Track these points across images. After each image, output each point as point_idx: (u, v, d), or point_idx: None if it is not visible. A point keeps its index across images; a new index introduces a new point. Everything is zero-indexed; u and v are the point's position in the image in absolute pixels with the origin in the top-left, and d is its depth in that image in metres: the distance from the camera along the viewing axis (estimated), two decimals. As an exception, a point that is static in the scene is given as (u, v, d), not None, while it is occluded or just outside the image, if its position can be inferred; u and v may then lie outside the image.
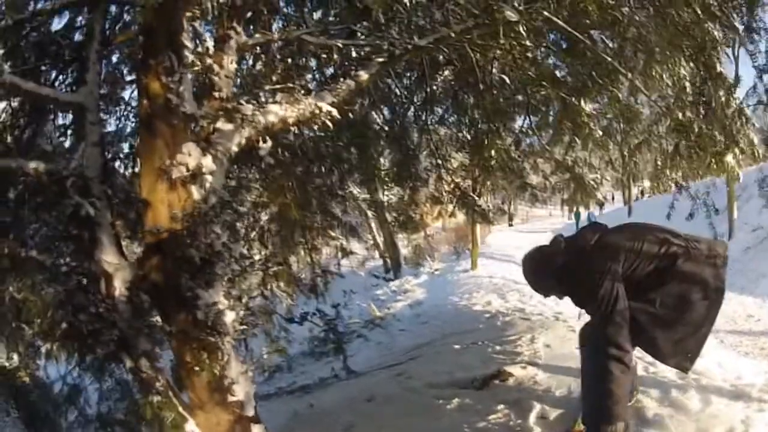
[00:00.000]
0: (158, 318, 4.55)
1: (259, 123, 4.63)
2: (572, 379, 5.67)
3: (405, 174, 8.39)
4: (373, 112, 7.84)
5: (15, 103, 5.56)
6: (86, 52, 4.95)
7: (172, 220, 4.36)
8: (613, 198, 58.88)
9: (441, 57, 6.91)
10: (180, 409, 4.48)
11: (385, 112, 8.10)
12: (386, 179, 9.06)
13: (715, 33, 5.60)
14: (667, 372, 5.81)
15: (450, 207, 9.53)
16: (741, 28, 5.75)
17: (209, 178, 4.44)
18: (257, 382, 8.49)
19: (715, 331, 13.42)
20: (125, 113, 6.61)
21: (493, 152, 7.82)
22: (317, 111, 4.84)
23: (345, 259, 13.25)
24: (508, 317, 10.40)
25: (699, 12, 5.40)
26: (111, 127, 6.47)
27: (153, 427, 4.45)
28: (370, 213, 16.97)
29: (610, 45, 6.23)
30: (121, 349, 4.41)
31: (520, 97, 7.43)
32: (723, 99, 5.94)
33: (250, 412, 4.73)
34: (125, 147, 6.65)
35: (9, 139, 5.47)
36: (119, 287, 4.42)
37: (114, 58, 6.28)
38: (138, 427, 4.65)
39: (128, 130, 6.63)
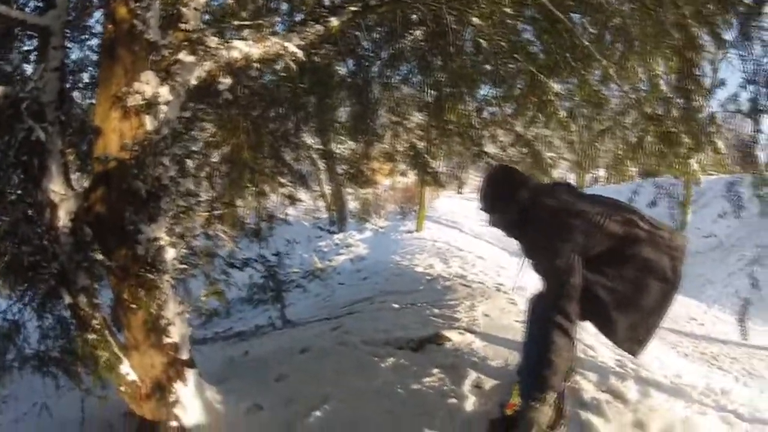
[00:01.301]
0: (99, 252, 4.36)
1: (221, 57, 4.52)
2: (509, 352, 5.69)
3: (361, 127, 8.27)
4: (338, 63, 7.68)
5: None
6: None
7: (122, 150, 4.22)
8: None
9: (415, 16, 6.78)
10: (115, 349, 4.38)
11: (350, 63, 7.94)
12: (342, 131, 8.95)
13: (701, 37, 5.52)
14: (606, 358, 5.84)
15: (402, 166, 9.44)
16: (733, 35, 5.67)
17: (164, 108, 4.31)
18: (194, 326, 8.40)
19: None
20: (90, 42, 6.37)
21: (453, 117, 7.77)
22: (282, 51, 4.73)
23: (292, 208, 13.15)
24: (448, 282, 10.44)
25: (686, 14, 5.32)
26: (75, 56, 6.29)
27: (88, 366, 4.32)
28: (321, 163, 16.88)
29: (590, 30, 6.12)
30: (60, 284, 4.29)
31: (488, 66, 7.32)
32: (697, 103, 5.93)
33: (185, 356, 4.67)
34: (86, 77, 6.43)
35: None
36: (63, 218, 4.30)
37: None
38: (74, 367, 4.49)
39: (92, 59, 6.39)
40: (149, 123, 4.25)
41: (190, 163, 4.94)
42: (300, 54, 4.82)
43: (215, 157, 7.18)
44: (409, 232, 20.54)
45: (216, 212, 6.48)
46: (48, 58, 4.43)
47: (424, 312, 7.72)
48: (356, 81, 7.79)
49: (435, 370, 5.45)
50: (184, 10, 4.44)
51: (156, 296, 4.36)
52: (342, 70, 7.75)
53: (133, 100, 4.14)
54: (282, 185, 8.25)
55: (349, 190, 21.85)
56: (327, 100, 7.81)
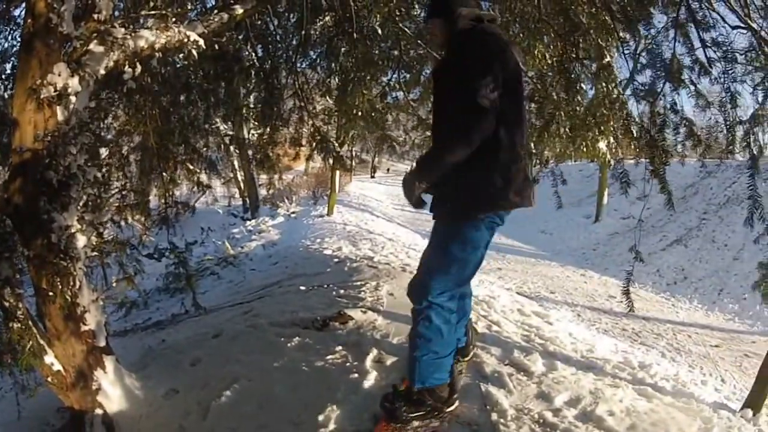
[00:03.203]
0: (19, 243, 4.40)
1: (128, 47, 4.58)
2: (409, 327, 5.84)
3: (268, 113, 8.35)
4: (247, 49, 7.74)
5: None
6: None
7: (36, 141, 4.26)
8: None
9: (323, 2, 6.88)
10: (39, 338, 4.40)
11: (259, 50, 8.00)
12: (250, 116, 9.01)
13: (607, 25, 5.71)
14: (511, 333, 6.03)
15: (309, 150, 9.53)
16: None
17: (73, 99, 4.36)
18: (115, 319, 8.40)
19: (573, 305, 14.01)
20: (13, 33, 6.40)
21: (357, 101, 7.91)
22: (185, 39, 4.84)
23: (204, 197, 13.13)
24: (356, 263, 10.56)
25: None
26: None
27: (15, 354, 4.34)
28: (232, 149, 16.83)
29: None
30: None
31: (395, 52, 7.46)
32: (604, 88, 6.08)
33: (102, 343, 4.73)
34: (8, 67, 6.49)
35: None
36: None
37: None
38: (2, 356, 4.51)
39: (16, 50, 6.36)
40: (60, 113, 4.30)
41: (102, 151, 4.97)
42: (201, 42, 4.94)
43: (126, 144, 7.16)
44: (321, 216, 20.71)
45: (127, 200, 6.49)
46: None
47: (330, 293, 7.87)
48: (263, 67, 7.86)
49: (338, 348, 5.60)
50: (97, 0, 4.48)
51: (70, 284, 4.41)
52: (251, 56, 7.82)
53: (46, 92, 4.18)
54: (192, 172, 8.29)
55: (262, 176, 21.87)
56: (235, 86, 7.85)
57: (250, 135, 11.83)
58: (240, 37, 7.43)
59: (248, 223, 21.62)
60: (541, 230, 24.18)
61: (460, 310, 4.53)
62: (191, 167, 8.49)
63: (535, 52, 6.22)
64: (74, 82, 4.29)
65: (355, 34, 6.84)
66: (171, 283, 10.31)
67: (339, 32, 7.28)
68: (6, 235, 4.35)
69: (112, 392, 4.71)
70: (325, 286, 8.50)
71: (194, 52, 4.98)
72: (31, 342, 4.30)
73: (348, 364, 5.27)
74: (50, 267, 4.34)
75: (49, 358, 4.46)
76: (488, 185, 3.88)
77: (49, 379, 4.54)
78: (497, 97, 3.70)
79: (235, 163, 23.74)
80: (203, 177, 9.24)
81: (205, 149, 9.19)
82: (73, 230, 4.41)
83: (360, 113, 8.23)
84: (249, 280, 11.90)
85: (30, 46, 4.26)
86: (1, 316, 4.34)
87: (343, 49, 7.52)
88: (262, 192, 24.24)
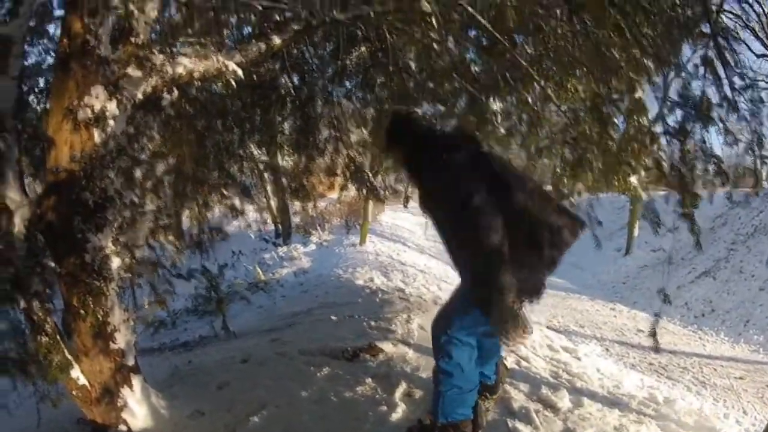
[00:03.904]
0: (50, 259, 4.45)
1: (167, 73, 4.65)
2: None
3: (304, 142, 8.41)
4: (284, 77, 7.80)
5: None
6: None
7: (72, 161, 4.34)
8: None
9: (359, 33, 6.94)
10: (66, 353, 4.45)
11: (295, 78, 8.06)
12: (285, 144, 9.06)
13: (639, 62, 5.70)
14: (540, 369, 6.00)
15: (343, 180, 9.54)
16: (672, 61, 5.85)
17: (111, 122, 4.43)
18: (142, 337, 8.45)
19: (601, 339, 13.91)
20: (48, 47, 6.43)
21: None
22: (224, 68, 4.90)
23: (237, 221, 13.20)
24: (387, 295, 10.55)
25: (627, 38, 5.49)
26: (31, 60, 6.32)
27: (41, 368, 4.40)
28: (266, 176, 16.91)
29: (530, 51, 6.29)
30: (15, 289, 4.29)
31: (430, 84, 7.48)
32: (636, 122, 6.04)
33: (130, 362, 4.78)
34: (41, 81, 6.47)
35: None
36: (18, 225, 4.31)
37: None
38: (29, 368, 4.56)
39: (49, 64, 6.43)
40: (97, 136, 4.37)
41: (137, 174, 5.04)
42: (240, 72, 5.00)
43: (161, 168, 7.22)
44: (353, 245, 20.63)
45: (161, 223, 6.54)
46: (7, 66, 4.42)
47: (360, 324, 7.86)
48: (300, 96, 7.93)
49: (368, 380, 5.59)
50: (135, 24, 4.55)
51: (102, 303, 4.48)
52: (287, 84, 7.88)
53: (84, 114, 4.26)
54: (226, 197, 8.36)
55: (296, 203, 21.89)
56: (271, 114, 7.92)
57: (285, 163, 11.90)
58: (276, 66, 7.50)
59: (280, 249, 21.64)
60: (574, 264, 24.02)
61: (493, 347, 4.59)
62: (225, 192, 8.56)
63: (568, 86, 6.22)
64: (112, 106, 4.37)
65: (390, 66, 6.90)
66: (200, 305, 10.38)
67: (374, 63, 7.33)
68: (37, 251, 4.39)
69: (137, 410, 4.75)
70: (356, 316, 8.49)
71: (232, 81, 5.06)
72: (58, 357, 4.36)
73: (377, 396, 5.27)
74: (82, 286, 4.41)
75: (75, 372, 4.51)
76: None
77: (74, 392, 4.59)
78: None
79: (269, 189, 23.80)
80: (236, 202, 9.33)
81: (239, 175, 9.23)
82: (107, 251, 4.49)
83: None
84: (279, 306, 11.93)
85: (66, 65, 4.35)
86: (29, 328, 4.38)
87: (378, 80, 7.56)
88: (295, 219, 24.34)
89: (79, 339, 4.54)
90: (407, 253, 20.74)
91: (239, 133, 8.12)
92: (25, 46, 4.96)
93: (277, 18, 5.73)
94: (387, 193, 10.86)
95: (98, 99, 4.32)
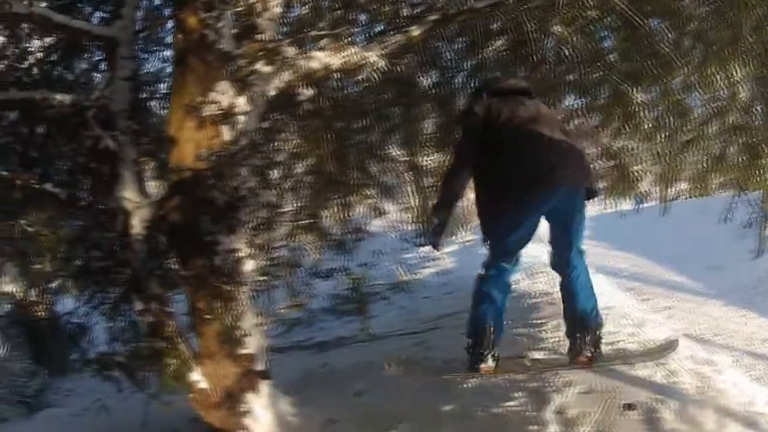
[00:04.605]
0: (173, 261, 4.43)
1: (300, 68, 4.50)
2: (593, 376, 5.45)
3: (447, 139, 8.17)
4: (421, 74, 7.59)
5: (50, 39, 5.48)
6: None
7: (198, 160, 4.23)
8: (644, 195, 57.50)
9: (495, 26, 6.67)
10: (186, 356, 4.37)
11: (434, 75, 7.84)
12: (428, 143, 8.86)
13: None
14: (686, 384, 5.61)
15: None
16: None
17: (242, 119, 4.31)
18: (274, 335, 8.41)
19: (732, 349, 13.18)
20: (165, 53, 6.49)
21: None
22: (363, 61, 4.72)
23: (378, 220, 13.14)
24: (534, 299, 10.11)
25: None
26: (151, 67, 6.44)
27: (156, 372, 4.34)
28: (407, 176, 16.82)
29: (669, 35, 5.95)
30: (132, 290, 4.32)
31: (571, 77, 7.16)
32: None
33: (260, 367, 4.62)
34: (163, 87, 6.53)
35: (36, 72, 5.38)
36: (136, 226, 4.30)
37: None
38: (137, 372, 4.52)
39: (167, 70, 6.48)
40: (226, 133, 4.26)
41: (273, 173, 4.93)
42: (381, 63, 4.82)
43: (300, 168, 7.16)
44: (496, 245, 20.23)
45: (300, 223, 6.45)
46: (117, 68, 4.51)
47: (508, 331, 7.44)
48: (440, 92, 7.70)
49: (517, 394, 5.28)
50: (258, 20, 4.41)
51: (231, 307, 4.36)
52: (425, 81, 7.67)
53: (209, 110, 4.16)
54: (367, 197, 8.32)
55: (438, 202, 21.72)
56: (412, 112, 7.72)
57: (426, 162, 11.72)
58: (414, 61, 7.33)
59: (422, 249, 21.48)
60: (707, 266, 22.89)
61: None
62: (367, 192, 8.46)
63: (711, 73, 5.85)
64: (241, 102, 4.26)
65: (531, 58, 6.60)
66: (339, 305, 10.29)
67: (514, 56, 7.06)
68: (158, 252, 4.37)
69: (262, 416, 4.59)
70: (504, 323, 8.14)
71: (374, 74, 4.92)
72: (177, 361, 4.31)
73: (527, 413, 4.95)
74: (210, 289, 4.30)
75: (195, 375, 4.42)
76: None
77: (191, 395, 4.50)
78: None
79: (410, 188, 23.74)
80: (378, 202, 9.22)
81: (380, 174, 9.12)
82: (241, 254, 4.35)
83: None
84: (422, 308, 11.55)
85: (184, 62, 4.28)
86: (146, 331, 4.38)
87: (521, 72, 7.29)
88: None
89: (204, 342, 4.46)
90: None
91: (380, 132, 7.92)
92: (142, 53, 5.24)
93: (408, 12, 5.65)
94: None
95: (225, 95, 4.22)
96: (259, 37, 4.41)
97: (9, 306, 5.81)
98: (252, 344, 4.54)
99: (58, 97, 4.35)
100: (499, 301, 5.36)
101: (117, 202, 4.31)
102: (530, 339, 6.93)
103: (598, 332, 5.02)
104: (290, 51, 4.40)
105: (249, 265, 4.42)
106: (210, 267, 4.25)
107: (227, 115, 4.21)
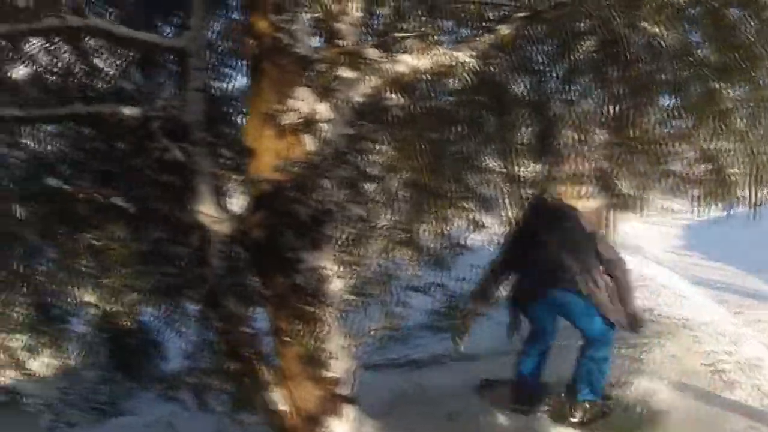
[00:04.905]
0: (254, 278, 4.25)
1: (386, 72, 4.26)
2: (695, 402, 5.35)
3: (543, 148, 7.87)
4: (513, 78, 7.32)
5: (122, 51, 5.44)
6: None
7: (277, 171, 4.03)
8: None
9: (582, 26, 6.40)
10: (265, 377, 4.21)
11: (526, 78, 7.56)
12: (525, 152, 8.57)
13: None
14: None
15: (589, 189, 8.95)
16: None
17: (324, 126, 4.09)
18: (368, 350, 8.22)
19: None
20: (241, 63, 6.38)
21: (635, 132, 7.07)
22: (452, 62, 4.45)
23: (477, 234, 12.94)
24: (637, 317, 9.82)
25: None
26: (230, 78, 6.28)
27: (231, 392, 4.17)
28: (505, 187, 16.54)
29: (751, 24, 5.66)
30: (209, 307, 4.20)
31: (663, 76, 6.81)
32: None
33: (346, 391, 4.39)
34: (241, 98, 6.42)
35: (103, 86, 5.28)
36: (214, 242, 4.15)
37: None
38: (207, 393, 4.38)
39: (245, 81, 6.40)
40: (309, 142, 4.06)
41: (364, 185, 4.71)
42: (473, 63, 4.57)
43: (393, 180, 6.98)
44: (597, 259, 19.77)
45: (396, 238, 6.27)
46: (189, 79, 4.38)
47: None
48: (533, 97, 7.43)
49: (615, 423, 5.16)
50: (338, 26, 4.18)
51: (315, 329, 4.15)
52: (518, 86, 7.40)
53: (288, 118, 3.96)
54: (466, 210, 8.10)
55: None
56: (507, 119, 7.44)
57: (523, 172, 11.41)
58: (505, 64, 7.06)
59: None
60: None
61: None
62: (466, 205, 8.29)
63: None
64: (323, 108, 4.05)
65: (624, 56, 6.30)
66: (436, 321, 10.04)
67: (605, 56, 6.80)
68: (238, 270, 4.21)
69: (344, 441, 4.39)
70: None
71: (466, 76, 4.63)
72: (254, 382, 4.19)
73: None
74: (292, 309, 4.11)
75: (274, 396, 4.25)
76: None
77: (268, 416, 4.33)
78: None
79: (507, 200, 23.40)
80: (477, 215, 9.02)
81: (478, 186, 8.91)
82: (327, 272, 4.14)
83: (639, 145, 7.45)
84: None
85: (257, 68, 4.15)
86: (223, 351, 4.30)
87: (614, 73, 7.00)
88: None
89: (285, 363, 4.28)
90: (647, 267, 19.70)
91: (475, 141, 7.60)
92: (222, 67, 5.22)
93: (494, 14, 5.40)
94: (634, 201, 10.20)
95: (305, 102, 4.00)
96: (340, 42, 4.19)
97: (92, 315, 5.78)
98: (338, 367, 4.33)
99: (125, 110, 4.22)
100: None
101: (192, 216, 4.16)
102: (631, 361, 6.66)
103: (593, 408, 5.32)
104: (374, 53, 4.16)
105: (336, 284, 4.21)
106: (292, 286, 4.04)
107: (308, 123, 4.01)
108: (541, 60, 7.10)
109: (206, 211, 4.14)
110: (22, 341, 6.05)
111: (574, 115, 7.52)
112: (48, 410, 6.98)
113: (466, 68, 4.50)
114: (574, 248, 5.64)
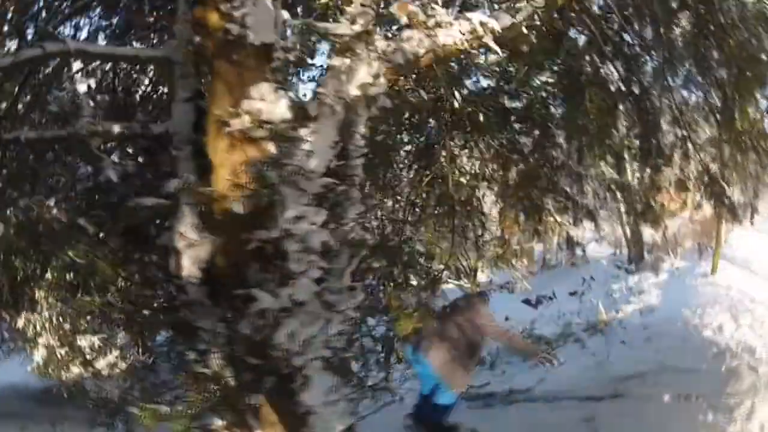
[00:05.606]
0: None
1: (390, 55, 3.65)
2: None
3: (646, 147, 7.04)
4: (606, 67, 6.51)
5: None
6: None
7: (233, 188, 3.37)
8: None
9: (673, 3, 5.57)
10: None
11: (620, 67, 6.56)
12: (630, 154, 7.80)
13: None
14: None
15: (696, 196, 8.40)
16: None
17: (307, 132, 3.46)
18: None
19: None
20: None
21: (745, 124, 6.24)
22: (483, 33, 3.69)
23: (590, 244, 12.71)
24: (735, 361, 8.94)
25: None
26: None
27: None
28: (609, 195, 15.78)
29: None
30: (181, 336, 3.91)
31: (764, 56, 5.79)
32: None
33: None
34: None
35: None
36: (187, 267, 3.57)
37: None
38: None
39: None
40: (272, 150, 3.38)
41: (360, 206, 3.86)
42: (498, 28, 3.76)
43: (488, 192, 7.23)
44: (704, 275, 18.53)
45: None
46: (175, 89, 4.03)
47: (695, 413, 6.64)
48: (631, 88, 6.62)
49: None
50: (348, 9, 3.58)
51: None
52: (613, 75, 6.59)
53: (239, 124, 3.32)
54: (561, 224, 8.22)
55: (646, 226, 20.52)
56: (605, 117, 6.61)
57: (632, 178, 10.58)
58: (594, 54, 6.35)
59: (630, 278, 20.17)
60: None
61: None
62: (559, 219, 8.09)
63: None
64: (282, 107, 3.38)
65: (721, 29, 5.56)
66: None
67: (702, 34, 5.82)
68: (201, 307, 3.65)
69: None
70: (694, 397, 7.11)
71: (494, 46, 3.78)
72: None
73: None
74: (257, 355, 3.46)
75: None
76: None
77: None
78: None
79: (621, 208, 22.38)
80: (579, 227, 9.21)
81: (581, 195, 8.29)
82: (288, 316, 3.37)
83: (748, 141, 6.58)
84: (613, 357, 10.65)
85: (212, 70, 3.67)
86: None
87: (716, 55, 5.97)
88: (649, 241, 22.76)
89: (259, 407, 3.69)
90: (756, 285, 18.31)
91: (575, 145, 7.18)
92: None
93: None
94: (744, 208, 9.32)
95: (264, 101, 3.35)
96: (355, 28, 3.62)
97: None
98: (319, 425, 3.56)
99: (116, 127, 4.00)
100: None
101: (169, 238, 3.65)
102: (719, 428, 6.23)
103: None
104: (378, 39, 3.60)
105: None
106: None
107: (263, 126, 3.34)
108: (633, 43, 6.48)
109: (183, 231, 3.59)
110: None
111: (674, 106, 6.81)
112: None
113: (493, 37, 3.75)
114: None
